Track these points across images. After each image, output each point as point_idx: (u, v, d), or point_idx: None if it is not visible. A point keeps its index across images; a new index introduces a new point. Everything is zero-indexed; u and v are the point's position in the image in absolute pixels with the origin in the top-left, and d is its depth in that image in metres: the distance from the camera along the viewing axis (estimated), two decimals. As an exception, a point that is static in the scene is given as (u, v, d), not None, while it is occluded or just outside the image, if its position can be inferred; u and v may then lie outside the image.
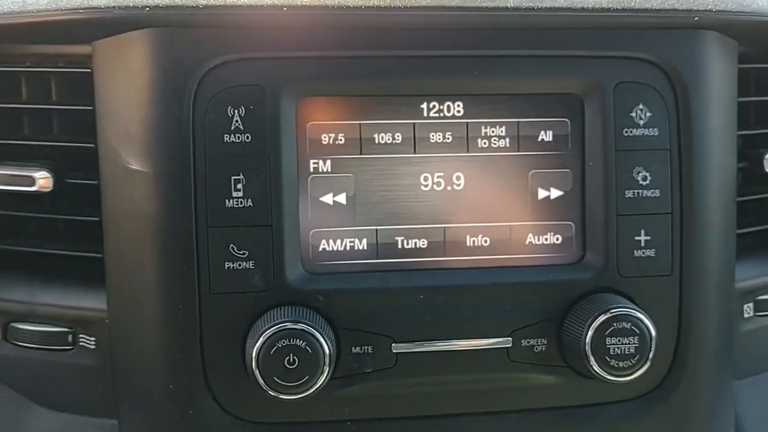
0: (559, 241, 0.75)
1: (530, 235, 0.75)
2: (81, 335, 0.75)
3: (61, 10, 0.68)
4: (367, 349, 0.71)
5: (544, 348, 0.73)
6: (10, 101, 0.77)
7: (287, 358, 0.66)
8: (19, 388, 0.78)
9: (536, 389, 0.74)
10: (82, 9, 0.67)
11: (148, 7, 0.67)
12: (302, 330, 0.66)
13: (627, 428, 0.77)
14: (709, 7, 0.75)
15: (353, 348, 0.71)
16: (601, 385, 0.72)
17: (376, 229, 0.73)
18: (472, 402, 0.74)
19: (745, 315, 0.86)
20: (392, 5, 0.69)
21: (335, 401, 0.72)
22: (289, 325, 0.66)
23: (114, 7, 0.67)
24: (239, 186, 0.69)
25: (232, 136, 0.69)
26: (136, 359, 0.72)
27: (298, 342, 0.66)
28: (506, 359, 0.73)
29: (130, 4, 0.67)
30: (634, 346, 0.70)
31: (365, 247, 0.73)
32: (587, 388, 0.75)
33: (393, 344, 0.71)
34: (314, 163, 0.72)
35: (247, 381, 0.69)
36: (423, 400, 0.74)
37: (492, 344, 0.72)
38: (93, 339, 0.75)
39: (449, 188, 0.73)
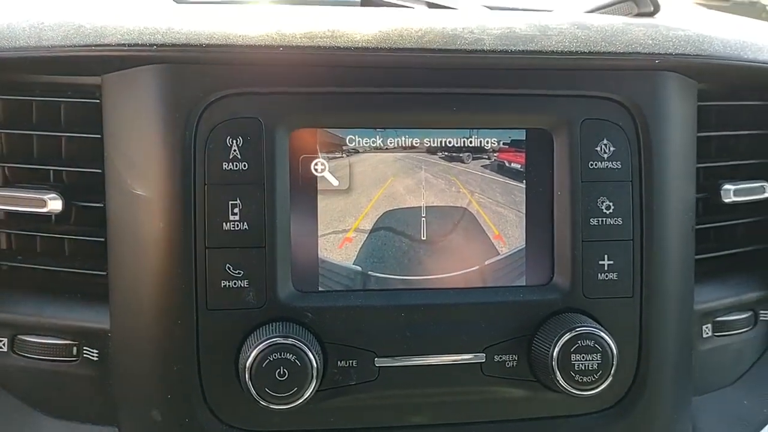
0: (530, 265, 0.81)
1: (503, 258, 0.81)
2: (85, 347, 0.80)
3: (75, 46, 0.73)
4: (352, 362, 0.76)
5: (515, 363, 0.79)
6: (24, 128, 0.82)
7: (278, 370, 0.71)
8: (23, 398, 0.82)
9: (507, 402, 0.80)
10: (94, 46, 0.73)
11: (155, 45, 0.72)
12: (292, 344, 0.71)
13: (591, 439, 0.82)
14: (670, 50, 0.81)
15: (339, 362, 0.76)
16: (568, 398, 0.78)
17: (362, 252, 0.79)
18: (449, 413, 0.80)
19: (704, 335, 0.91)
20: (379, 47, 0.76)
21: (321, 412, 0.77)
22: (280, 340, 0.72)
23: (124, 45, 0.72)
24: (236, 210, 0.75)
25: (231, 164, 0.74)
26: (137, 370, 0.77)
27: (288, 356, 0.71)
28: (480, 373, 0.78)
29: (139, 42, 0.73)
30: (597, 363, 0.75)
31: (351, 268, 0.79)
32: (554, 401, 0.80)
33: (376, 359, 0.77)
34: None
35: (240, 392, 0.74)
36: (403, 412, 0.79)
37: (467, 359, 0.78)
38: (96, 351, 0.80)
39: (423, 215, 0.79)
